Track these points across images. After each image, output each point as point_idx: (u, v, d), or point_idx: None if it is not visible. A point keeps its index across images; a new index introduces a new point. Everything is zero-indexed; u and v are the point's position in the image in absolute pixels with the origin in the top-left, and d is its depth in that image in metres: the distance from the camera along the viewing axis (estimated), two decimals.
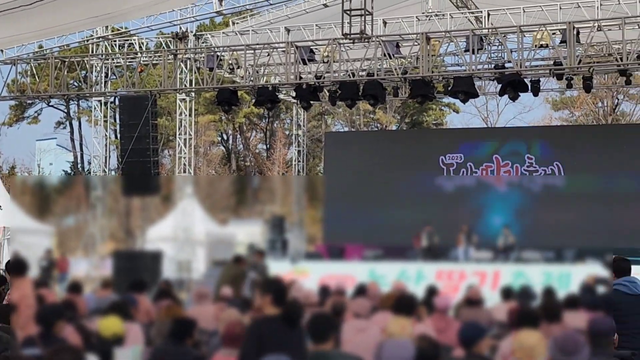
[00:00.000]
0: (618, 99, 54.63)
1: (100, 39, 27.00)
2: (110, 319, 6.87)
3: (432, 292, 11.95)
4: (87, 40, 27.41)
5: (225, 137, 64.56)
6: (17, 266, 8.78)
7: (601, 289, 8.93)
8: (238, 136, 63.25)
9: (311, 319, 6.67)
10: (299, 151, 32.62)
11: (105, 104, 29.59)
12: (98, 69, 26.85)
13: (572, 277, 22.07)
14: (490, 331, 7.05)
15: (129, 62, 26.23)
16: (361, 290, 12.96)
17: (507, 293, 11.98)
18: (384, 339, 7.70)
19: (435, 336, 8.76)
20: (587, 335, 6.34)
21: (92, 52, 27.52)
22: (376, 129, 55.48)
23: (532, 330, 7.59)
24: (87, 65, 27.30)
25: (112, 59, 26.66)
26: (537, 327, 7.70)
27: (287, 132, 56.45)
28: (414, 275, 23.97)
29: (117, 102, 30.35)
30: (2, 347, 4.96)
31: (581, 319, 8.77)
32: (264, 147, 63.34)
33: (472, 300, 10.93)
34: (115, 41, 27.45)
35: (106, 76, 27.44)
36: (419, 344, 4.86)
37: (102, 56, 26.56)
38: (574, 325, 9.20)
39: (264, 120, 62.01)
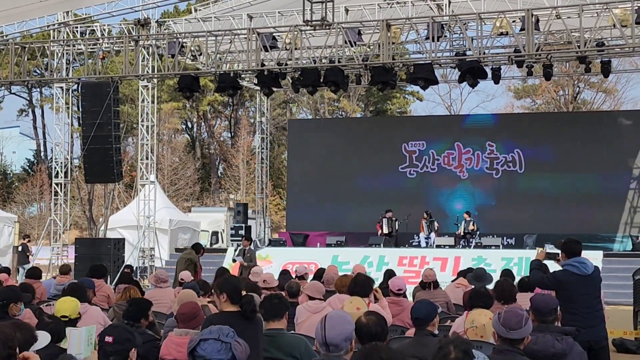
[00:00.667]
0: (579, 87, 55.24)
1: (62, 25, 26.76)
2: (65, 300, 6.91)
3: (389, 275, 12.14)
4: (48, 27, 27.17)
5: (189, 124, 64.37)
6: None
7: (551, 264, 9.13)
8: (202, 124, 63.08)
9: (264, 299, 6.91)
10: (262, 138, 32.60)
11: (68, 91, 29.36)
12: (59, 55, 26.64)
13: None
14: (441, 310, 7.18)
15: (91, 48, 26.06)
16: (320, 274, 13.11)
17: (463, 275, 12.24)
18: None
19: (388, 318, 8.92)
20: (531, 311, 6.50)
21: (54, 38, 27.29)
22: (340, 117, 55.63)
23: (484, 310, 7.77)
24: (48, 52, 27.06)
25: (74, 46, 26.44)
26: (489, 307, 7.88)
27: (251, 120, 56.43)
28: (376, 261, 24.25)
29: (79, 90, 30.14)
30: None
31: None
32: (229, 134, 63.26)
33: (426, 283, 11.14)
34: (76, 27, 27.23)
35: (68, 63, 27.21)
36: (366, 318, 4.96)
37: (63, 42, 26.34)
38: (525, 305, 9.42)
39: (228, 108, 61.90)
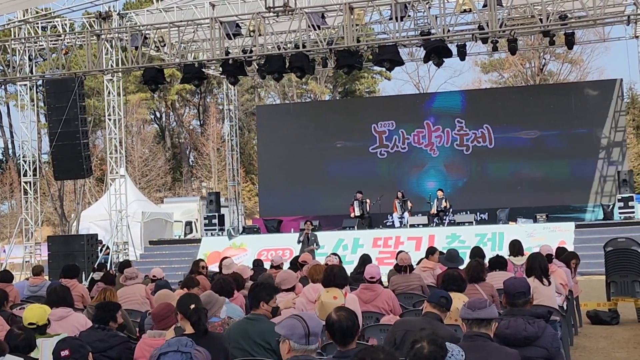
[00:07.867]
0: (545, 59, 55.51)
1: (22, 22, 26.45)
2: (32, 308, 6.86)
3: (364, 261, 12.13)
4: (8, 24, 26.84)
5: (157, 114, 64.03)
6: None
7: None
8: (171, 113, 62.76)
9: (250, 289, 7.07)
10: (231, 126, 32.49)
11: (32, 87, 29.06)
12: (21, 52, 26.32)
13: (504, 236, 22.60)
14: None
15: (53, 44, 25.79)
16: (294, 262, 13.09)
17: (426, 257, 12.34)
18: (310, 310, 7.83)
19: (362, 305, 8.92)
20: (503, 294, 6.54)
21: (15, 35, 26.95)
22: (309, 100, 55.55)
23: (457, 293, 7.78)
24: (9, 49, 26.72)
25: (35, 42, 26.14)
26: (463, 290, 7.90)
27: (220, 107, 56.23)
28: (351, 244, 24.30)
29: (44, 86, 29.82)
30: None
31: (504, 278, 9.01)
32: (198, 122, 63.01)
33: (402, 267, 11.16)
34: (37, 24, 26.92)
35: (30, 59, 26.88)
36: (336, 315, 4.96)
37: (24, 40, 26.01)
38: (497, 284, 9.48)
39: (196, 96, 61.62)
